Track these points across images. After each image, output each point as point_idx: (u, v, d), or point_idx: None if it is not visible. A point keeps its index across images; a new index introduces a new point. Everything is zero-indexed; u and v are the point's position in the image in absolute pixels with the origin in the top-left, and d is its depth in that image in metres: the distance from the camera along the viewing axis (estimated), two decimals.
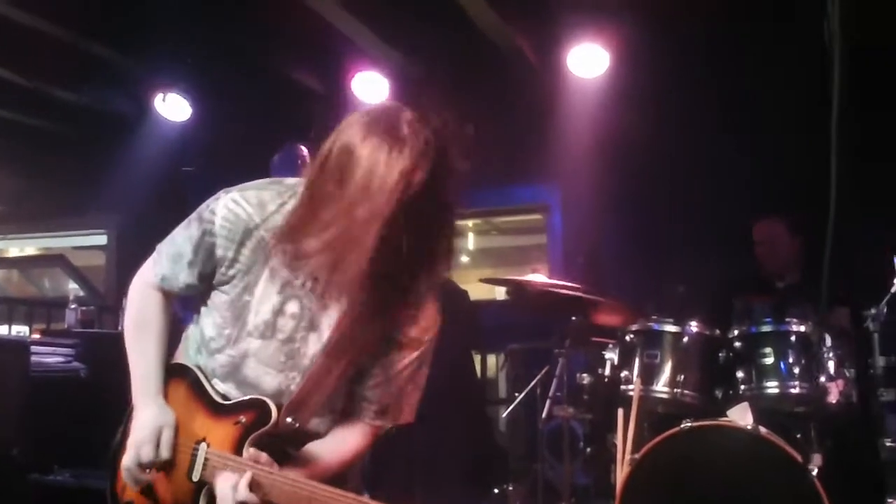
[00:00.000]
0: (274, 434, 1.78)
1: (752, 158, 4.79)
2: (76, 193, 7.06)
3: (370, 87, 5.34)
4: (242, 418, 1.78)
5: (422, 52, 5.39)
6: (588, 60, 4.96)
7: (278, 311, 1.81)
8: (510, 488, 4.44)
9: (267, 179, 1.87)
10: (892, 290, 3.42)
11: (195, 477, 1.78)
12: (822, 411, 3.33)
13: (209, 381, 1.86)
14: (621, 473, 3.17)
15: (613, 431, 3.40)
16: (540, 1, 5.04)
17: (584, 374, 3.70)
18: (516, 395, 4.63)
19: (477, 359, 5.78)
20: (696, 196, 4.93)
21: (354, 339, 1.78)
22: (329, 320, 1.81)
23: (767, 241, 4.27)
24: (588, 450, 4.16)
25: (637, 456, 3.13)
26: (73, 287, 6.77)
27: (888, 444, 3.39)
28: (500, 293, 6.69)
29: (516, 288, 4.01)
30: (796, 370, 3.27)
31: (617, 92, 5.06)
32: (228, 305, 1.83)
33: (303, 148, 4.28)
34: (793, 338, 3.32)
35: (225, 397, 1.84)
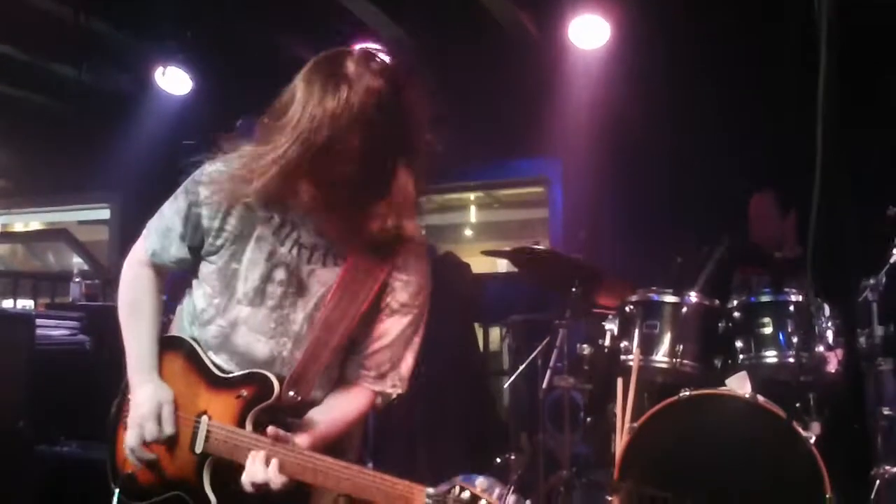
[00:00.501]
0: (276, 407, 1.80)
1: (751, 131, 4.78)
2: (78, 168, 7.06)
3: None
4: (244, 392, 1.80)
5: (424, 26, 5.36)
6: (589, 32, 4.93)
7: (266, 278, 1.82)
8: (511, 458, 4.47)
9: (248, 147, 1.86)
10: (892, 259, 3.45)
11: (198, 449, 1.80)
12: (821, 380, 3.35)
13: (206, 354, 1.88)
14: (620, 442, 3.21)
15: (613, 401, 3.43)
16: None
17: (585, 345, 3.72)
18: (518, 366, 4.65)
19: (480, 332, 5.82)
20: (697, 168, 4.92)
21: (347, 307, 1.80)
22: (316, 285, 1.83)
23: (758, 215, 4.28)
24: (588, 420, 4.19)
25: (636, 425, 3.16)
26: (77, 261, 6.79)
27: (886, 412, 3.43)
28: (502, 266, 6.73)
29: (519, 256, 4.02)
30: (795, 340, 3.29)
31: (618, 63, 5.04)
32: (217, 275, 1.85)
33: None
34: (791, 308, 3.34)
35: (222, 370, 1.86)
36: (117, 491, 1.92)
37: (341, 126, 1.57)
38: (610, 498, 3.14)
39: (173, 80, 5.80)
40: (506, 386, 4.83)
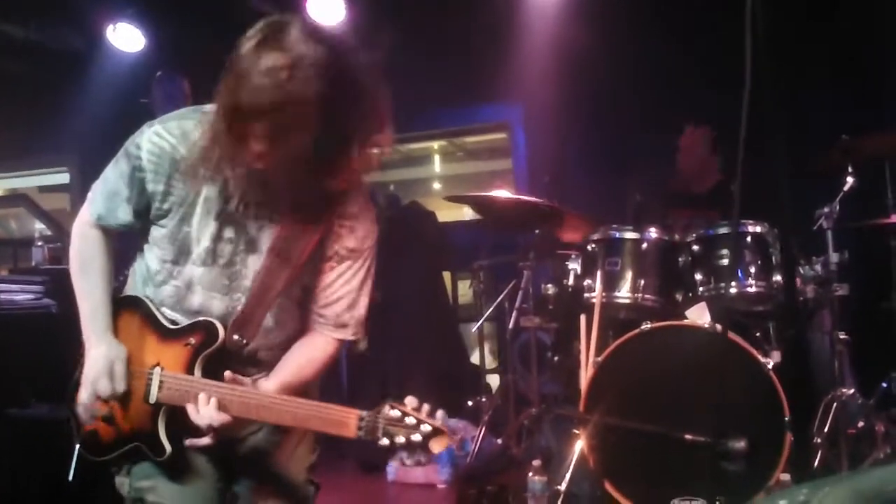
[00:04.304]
0: (224, 352, 1.85)
1: (708, 69, 4.79)
2: (33, 131, 6.92)
3: (328, 11, 5.26)
4: (192, 339, 1.86)
5: None
6: None
7: (217, 237, 1.84)
8: (483, 400, 4.56)
9: (188, 108, 1.86)
10: (845, 188, 3.52)
11: (152, 399, 1.86)
12: (778, 308, 3.43)
13: (158, 310, 1.91)
14: (585, 377, 3.27)
15: (579, 339, 3.49)
16: None
17: (549, 285, 3.76)
18: (485, 310, 4.71)
19: (449, 280, 5.87)
20: (654, 107, 4.95)
21: (290, 253, 1.84)
22: (267, 241, 1.86)
23: (688, 146, 4.33)
24: (556, 358, 4.26)
25: (600, 359, 3.23)
26: (39, 227, 6.70)
27: (842, 336, 3.53)
28: (468, 214, 6.74)
29: (482, 204, 4.04)
30: (752, 269, 3.34)
31: (574, 8, 5.03)
32: (169, 238, 1.86)
33: (183, 80, 4.22)
34: (748, 238, 3.39)
35: (174, 323, 1.90)
36: (77, 447, 1.96)
37: (284, 91, 1.55)
38: (577, 430, 3.21)
39: (125, 37, 5.68)
40: (474, 329, 4.88)
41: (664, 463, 3.01)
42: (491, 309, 4.49)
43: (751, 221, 3.41)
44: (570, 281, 3.64)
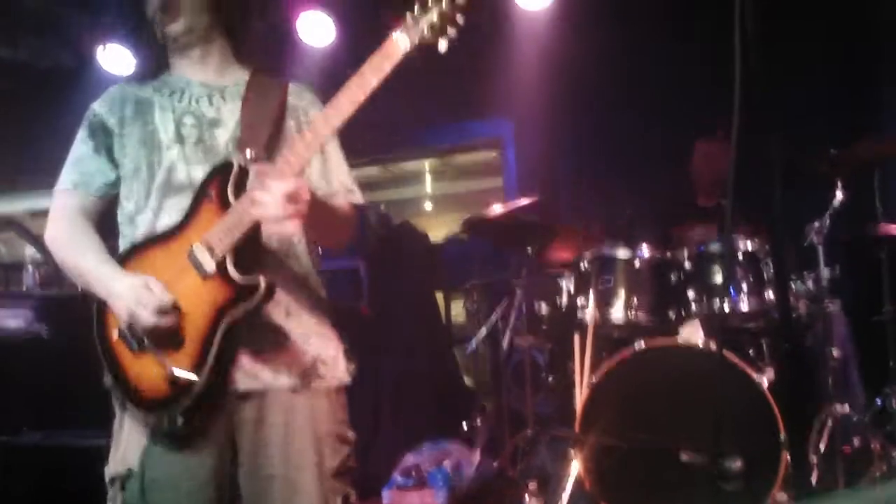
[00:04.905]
0: (244, 173, 1.83)
1: (697, 85, 4.82)
2: (22, 155, 6.89)
3: (318, 32, 5.27)
4: (212, 192, 1.84)
5: None
6: None
7: (179, 124, 1.96)
8: (478, 422, 4.53)
9: None
10: (834, 202, 3.52)
11: (210, 269, 1.79)
12: (771, 325, 3.43)
13: (154, 231, 1.90)
14: (580, 397, 3.26)
15: (573, 359, 3.49)
16: None
17: (542, 303, 3.76)
18: (478, 329, 4.69)
19: (441, 299, 5.85)
20: (645, 121, 4.97)
21: (265, 106, 1.99)
22: (228, 116, 1.97)
23: (709, 158, 4.33)
24: (550, 378, 4.25)
25: (594, 379, 3.22)
26: (30, 251, 6.67)
27: (835, 353, 3.52)
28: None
29: (473, 225, 4.04)
30: (744, 286, 3.35)
31: (563, 23, 5.04)
32: (133, 153, 1.95)
33: None
34: (740, 255, 3.39)
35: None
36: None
37: None
38: (573, 451, 3.20)
39: (115, 58, 5.67)
40: (468, 349, 4.86)
41: (661, 483, 3.01)
42: (485, 329, 4.48)
43: (742, 238, 3.42)
44: (563, 300, 3.64)
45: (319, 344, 1.95)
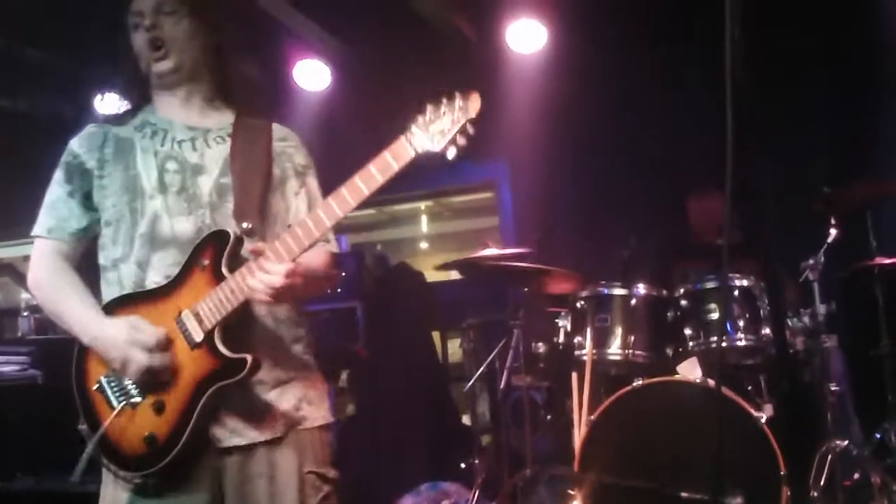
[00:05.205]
0: (240, 245, 1.84)
1: (691, 127, 4.87)
2: (18, 201, 6.91)
3: (312, 75, 5.34)
4: (205, 261, 1.82)
5: (361, 38, 5.38)
6: (526, 36, 5.01)
7: (161, 170, 1.94)
8: (476, 462, 4.49)
9: None
10: (829, 240, 3.55)
11: (198, 338, 1.79)
12: (769, 361, 3.43)
13: (142, 285, 1.89)
14: (579, 436, 3.25)
15: (571, 397, 3.48)
16: None
17: (540, 343, 3.76)
18: (476, 369, 4.68)
19: (438, 339, 5.84)
20: (637, 162, 5.02)
21: (253, 150, 1.97)
22: (211, 162, 1.95)
23: (705, 214, 4.37)
24: (549, 417, 4.23)
25: (593, 418, 3.21)
26: (25, 297, 6.66)
27: (833, 388, 3.52)
28: (455, 272, 6.75)
29: (468, 266, 4.05)
30: (741, 323, 3.36)
31: (556, 65, 5.11)
32: (115, 199, 1.93)
33: None
34: (736, 292, 3.41)
35: (167, 276, 1.87)
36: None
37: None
38: (572, 491, 3.17)
39: (112, 107, 5.71)
40: (465, 389, 4.84)
41: None
42: (482, 369, 4.46)
43: (738, 275, 3.44)
44: (561, 338, 3.64)
45: (305, 385, 1.96)
